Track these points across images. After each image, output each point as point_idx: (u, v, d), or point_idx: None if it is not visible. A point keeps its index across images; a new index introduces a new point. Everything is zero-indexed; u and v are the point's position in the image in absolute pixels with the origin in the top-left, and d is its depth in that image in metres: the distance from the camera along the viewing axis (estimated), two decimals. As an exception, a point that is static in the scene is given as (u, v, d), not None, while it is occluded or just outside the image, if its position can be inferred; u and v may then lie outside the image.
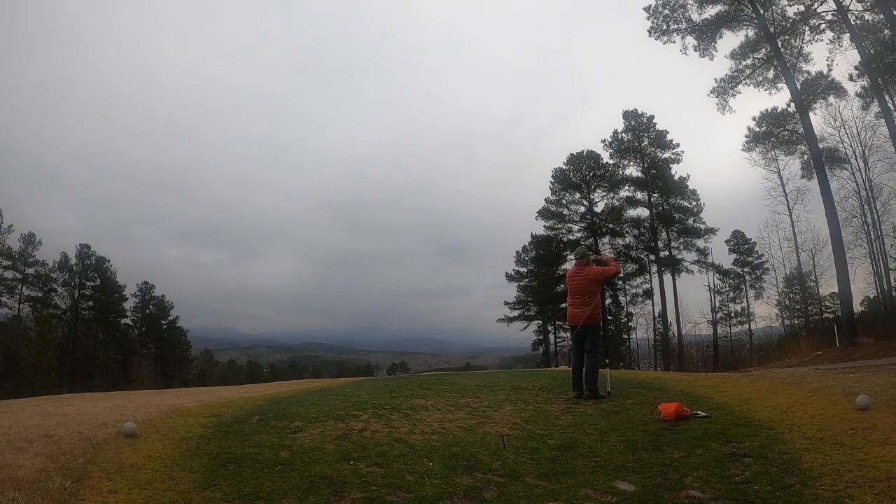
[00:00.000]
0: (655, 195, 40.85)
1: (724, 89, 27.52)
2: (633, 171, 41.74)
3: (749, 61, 26.65)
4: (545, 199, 44.15)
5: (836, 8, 23.48)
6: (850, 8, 23.25)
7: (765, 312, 41.44)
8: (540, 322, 46.31)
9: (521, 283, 46.72)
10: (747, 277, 41.61)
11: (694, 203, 40.52)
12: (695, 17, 26.52)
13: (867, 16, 23.40)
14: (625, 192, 42.10)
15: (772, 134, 32.20)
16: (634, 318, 44.44)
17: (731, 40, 27.37)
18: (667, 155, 40.82)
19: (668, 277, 39.45)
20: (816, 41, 25.13)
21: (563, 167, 43.63)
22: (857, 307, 31.09)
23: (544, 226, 44.64)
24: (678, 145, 40.57)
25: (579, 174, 43.38)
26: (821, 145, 27.86)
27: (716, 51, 26.82)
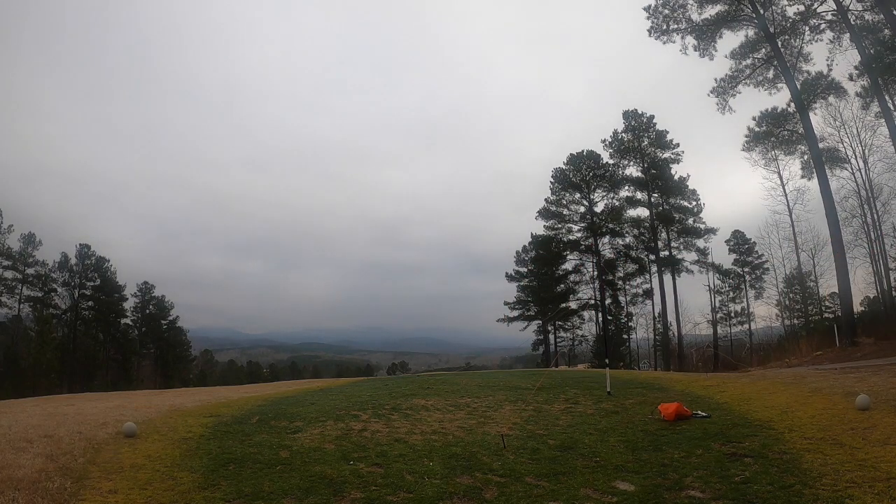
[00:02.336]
0: (655, 195, 40.80)
1: (724, 89, 27.49)
2: (633, 171, 41.71)
3: (749, 61, 26.63)
4: (545, 200, 44.14)
5: (836, 8, 23.47)
6: (850, 8, 23.24)
7: (765, 312, 41.41)
8: (540, 322, 46.25)
9: (521, 283, 46.66)
10: (747, 277, 41.55)
11: (694, 203, 40.50)
12: (695, 16, 26.52)
13: (867, 16, 23.39)
14: (625, 192, 42.08)
15: (772, 134, 32.17)
16: (634, 318, 44.37)
17: (731, 40, 27.37)
18: (667, 155, 40.78)
19: (668, 277, 39.43)
20: (816, 41, 25.13)
21: (564, 167, 43.60)
22: (857, 307, 31.08)
23: (544, 226, 44.62)
24: (678, 145, 40.56)
25: (579, 174, 43.34)
26: (821, 145, 27.84)
27: (716, 51, 26.81)
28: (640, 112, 41.90)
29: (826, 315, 35.72)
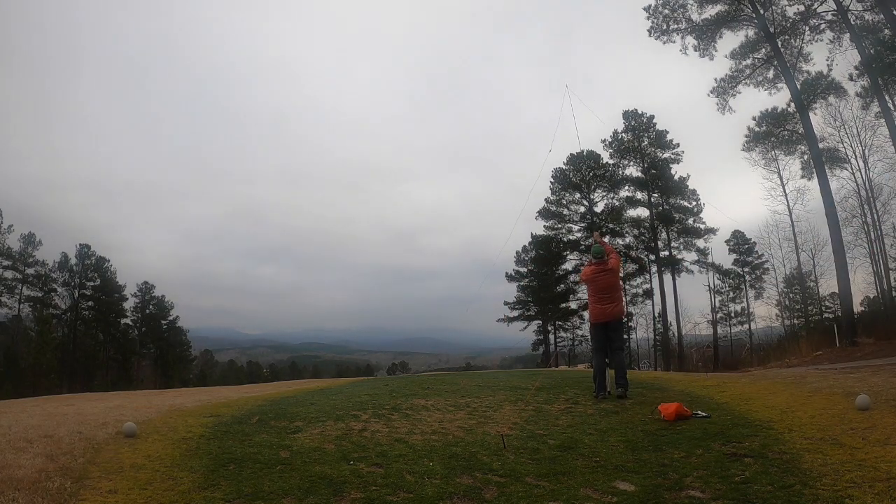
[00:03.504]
0: (655, 195, 40.84)
1: (724, 89, 27.51)
2: (633, 171, 41.77)
3: (749, 61, 26.65)
4: (545, 199, 44.18)
5: (836, 8, 23.47)
6: (850, 8, 23.24)
7: (765, 312, 41.45)
8: (540, 322, 46.28)
9: (521, 283, 46.70)
10: (747, 277, 41.58)
11: (694, 203, 40.55)
12: (695, 16, 26.54)
13: (867, 16, 23.39)
14: (625, 192, 42.14)
15: (772, 134, 32.17)
16: (634, 318, 44.41)
17: (731, 40, 27.32)
18: (667, 155, 40.83)
19: (668, 277, 39.48)
20: (816, 41, 25.13)
21: (563, 167, 43.65)
22: (857, 307, 31.08)
23: (544, 226, 44.68)
24: (678, 145, 40.60)
25: (579, 174, 43.39)
26: (821, 145, 27.84)
27: (716, 51, 26.83)
28: (640, 112, 41.98)
29: (826, 315, 35.74)
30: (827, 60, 25.41)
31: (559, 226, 44.45)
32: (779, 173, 35.52)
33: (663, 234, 40.36)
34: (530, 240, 46.19)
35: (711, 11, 26.16)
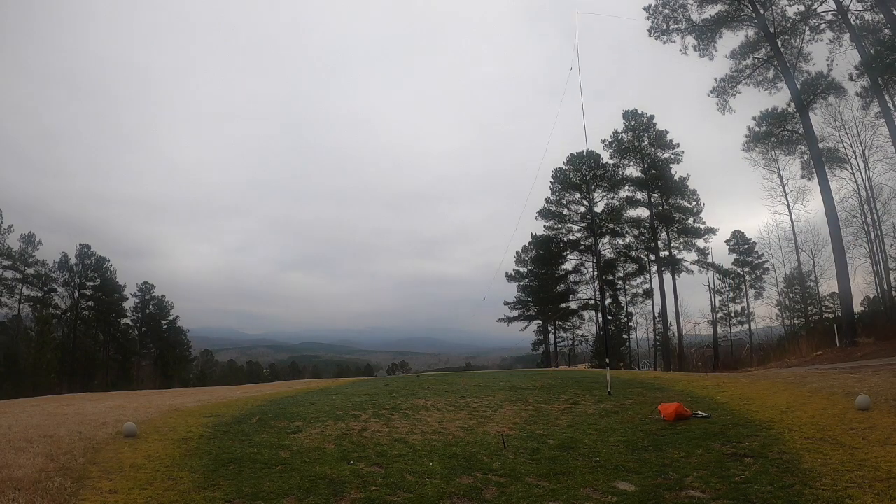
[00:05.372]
0: (655, 195, 40.78)
1: (724, 89, 27.47)
2: (633, 171, 41.67)
3: (749, 61, 26.62)
4: (545, 199, 44.10)
5: (836, 8, 23.46)
6: (850, 8, 23.23)
7: (765, 312, 41.39)
8: (540, 322, 46.24)
9: (521, 283, 46.64)
10: (747, 277, 41.54)
11: (694, 203, 40.47)
12: (695, 16, 26.51)
13: (867, 16, 23.39)
14: (625, 192, 42.04)
15: (772, 134, 32.10)
16: (634, 318, 44.36)
17: (731, 40, 27.29)
18: (667, 155, 40.76)
19: (668, 277, 39.41)
20: (816, 41, 25.11)
21: (563, 167, 43.59)
22: (857, 307, 31.04)
23: (544, 226, 44.59)
24: (678, 145, 40.54)
25: (579, 174, 43.33)
26: (821, 145, 27.82)
27: (716, 51, 26.80)
28: (640, 112, 41.91)
29: (826, 315, 35.71)
30: (827, 60, 25.41)
31: (559, 226, 44.40)
32: (779, 173, 35.52)
33: (663, 234, 40.31)
34: (530, 240, 46.19)
35: (711, 11, 26.17)
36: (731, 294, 42.06)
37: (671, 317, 39.98)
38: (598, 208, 43.12)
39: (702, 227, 40.32)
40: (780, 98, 28.08)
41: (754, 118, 31.30)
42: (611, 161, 42.47)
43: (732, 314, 41.82)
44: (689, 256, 40.61)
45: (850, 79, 26.19)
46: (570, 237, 44.47)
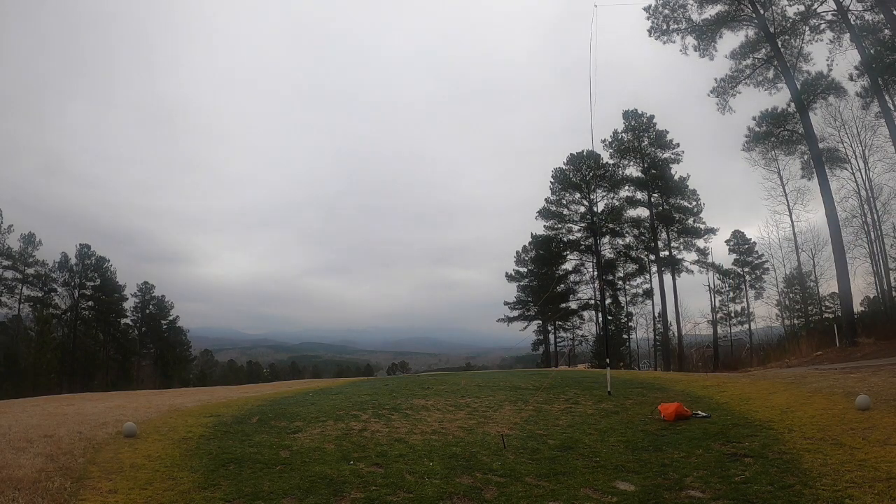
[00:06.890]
0: (655, 195, 40.77)
1: (724, 89, 27.48)
2: (633, 171, 41.66)
3: (749, 61, 26.62)
4: (545, 199, 44.09)
5: (836, 8, 23.46)
6: (850, 8, 23.23)
7: (765, 312, 41.40)
8: (540, 322, 46.23)
9: (521, 283, 46.64)
10: (747, 277, 41.55)
11: (694, 203, 40.46)
12: (695, 17, 26.52)
13: (867, 16, 23.38)
14: (625, 192, 42.02)
15: (772, 134, 32.10)
16: (634, 318, 44.35)
17: (731, 40, 27.29)
18: (667, 155, 40.76)
19: (668, 277, 39.40)
20: (816, 41, 25.10)
21: (564, 167, 43.58)
22: (857, 307, 31.06)
23: (544, 226, 44.58)
24: (678, 145, 40.54)
25: (579, 174, 43.32)
26: (821, 145, 27.82)
27: (716, 51, 26.81)
28: (640, 112, 41.92)
29: (826, 315, 35.72)
30: (827, 60, 25.41)
31: (559, 226, 44.38)
32: (779, 173, 35.53)
33: (663, 234, 40.30)
34: (530, 240, 46.17)
35: (711, 11, 26.17)
36: (731, 294, 42.08)
37: (671, 317, 40.01)
38: (598, 208, 43.14)
39: (702, 227, 40.34)
40: (780, 98, 28.11)
41: (754, 118, 31.32)
42: (611, 161, 42.48)
43: (732, 314, 41.83)
44: (689, 256, 40.63)
45: (850, 79, 26.22)
46: (570, 237, 44.48)
